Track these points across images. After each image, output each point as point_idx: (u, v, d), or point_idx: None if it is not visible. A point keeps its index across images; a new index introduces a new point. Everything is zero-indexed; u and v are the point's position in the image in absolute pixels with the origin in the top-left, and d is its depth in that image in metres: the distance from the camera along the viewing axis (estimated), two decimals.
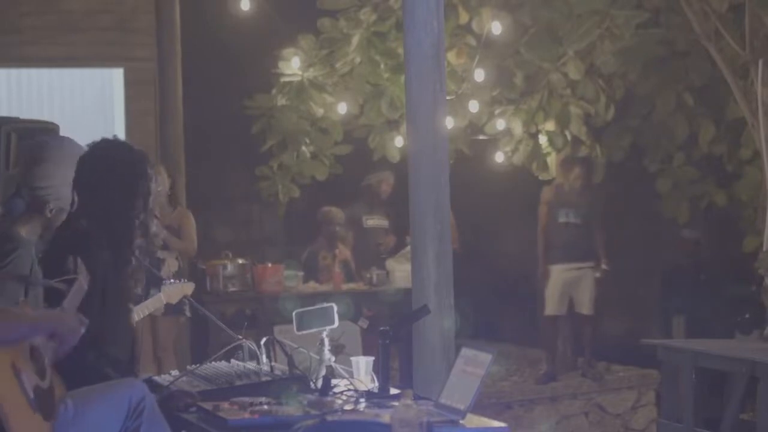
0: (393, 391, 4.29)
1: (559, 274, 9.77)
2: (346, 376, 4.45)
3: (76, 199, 4.19)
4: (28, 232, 4.34)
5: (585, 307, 9.83)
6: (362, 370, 4.47)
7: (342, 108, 9.86)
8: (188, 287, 6.08)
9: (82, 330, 3.68)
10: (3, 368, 3.34)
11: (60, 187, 4.31)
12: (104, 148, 4.26)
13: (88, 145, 4.27)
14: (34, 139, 4.82)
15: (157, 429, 3.81)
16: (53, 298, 3.82)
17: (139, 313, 5.41)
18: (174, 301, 6.03)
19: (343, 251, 9.98)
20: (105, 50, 10.03)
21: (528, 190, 10.80)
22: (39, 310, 3.67)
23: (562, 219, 9.79)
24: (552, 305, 9.83)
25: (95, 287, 3.92)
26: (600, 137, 10.07)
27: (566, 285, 9.80)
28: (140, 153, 4.28)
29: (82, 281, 3.82)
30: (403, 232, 9.86)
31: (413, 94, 5.35)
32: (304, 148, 9.99)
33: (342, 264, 9.94)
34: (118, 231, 4.14)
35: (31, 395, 3.43)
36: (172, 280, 6.10)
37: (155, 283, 6.05)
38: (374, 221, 10.29)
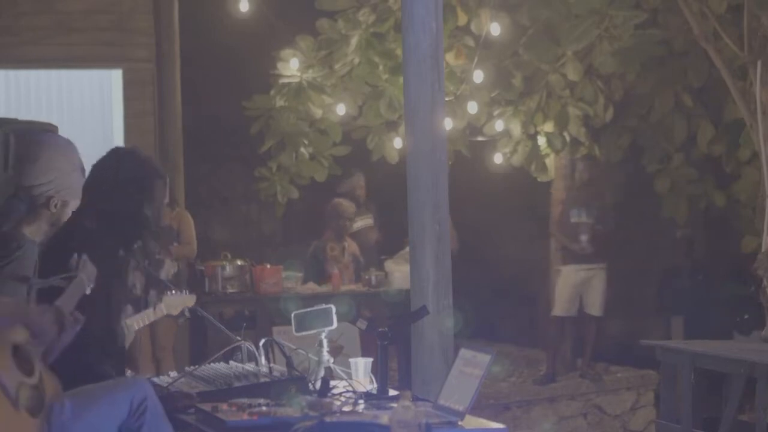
0: (392, 392, 4.29)
1: (570, 274, 9.77)
2: (345, 377, 4.45)
3: (85, 200, 4.21)
4: (32, 232, 4.32)
5: (595, 308, 9.82)
6: (361, 371, 4.48)
7: (340, 109, 9.86)
8: (190, 299, 6.06)
9: (77, 328, 3.67)
10: None
11: (60, 178, 4.29)
12: (121, 154, 4.36)
13: (107, 152, 4.31)
14: (25, 139, 4.81)
15: (160, 428, 3.81)
16: (51, 296, 3.80)
17: (139, 321, 5.42)
18: (175, 312, 6.02)
19: (352, 244, 9.93)
20: (104, 51, 10.03)
21: (526, 192, 10.80)
22: (6, 301, 3.62)
23: (574, 219, 9.80)
24: (561, 306, 9.83)
25: (101, 288, 3.93)
26: (599, 138, 10.07)
27: (577, 285, 9.80)
28: (155, 163, 4.38)
29: (84, 279, 3.79)
30: (387, 226, 9.87)
31: (412, 95, 5.34)
32: (302, 149, 9.99)
33: (352, 257, 9.89)
34: (127, 234, 4.16)
35: (13, 392, 3.41)
36: (174, 291, 6.08)
37: (154, 284, 6.04)
38: (359, 223, 10.25)
